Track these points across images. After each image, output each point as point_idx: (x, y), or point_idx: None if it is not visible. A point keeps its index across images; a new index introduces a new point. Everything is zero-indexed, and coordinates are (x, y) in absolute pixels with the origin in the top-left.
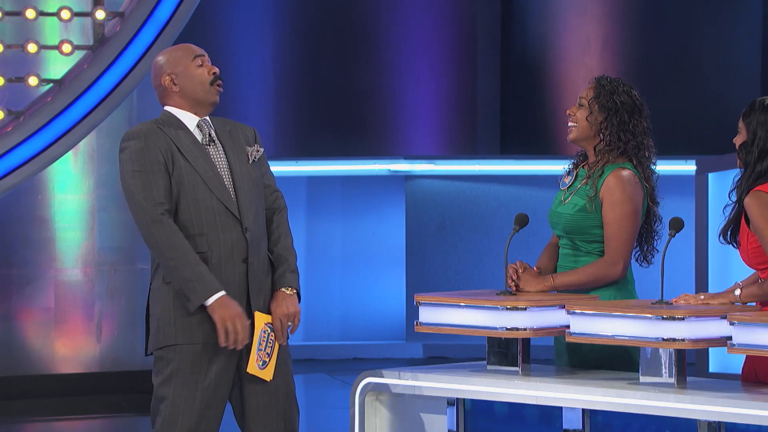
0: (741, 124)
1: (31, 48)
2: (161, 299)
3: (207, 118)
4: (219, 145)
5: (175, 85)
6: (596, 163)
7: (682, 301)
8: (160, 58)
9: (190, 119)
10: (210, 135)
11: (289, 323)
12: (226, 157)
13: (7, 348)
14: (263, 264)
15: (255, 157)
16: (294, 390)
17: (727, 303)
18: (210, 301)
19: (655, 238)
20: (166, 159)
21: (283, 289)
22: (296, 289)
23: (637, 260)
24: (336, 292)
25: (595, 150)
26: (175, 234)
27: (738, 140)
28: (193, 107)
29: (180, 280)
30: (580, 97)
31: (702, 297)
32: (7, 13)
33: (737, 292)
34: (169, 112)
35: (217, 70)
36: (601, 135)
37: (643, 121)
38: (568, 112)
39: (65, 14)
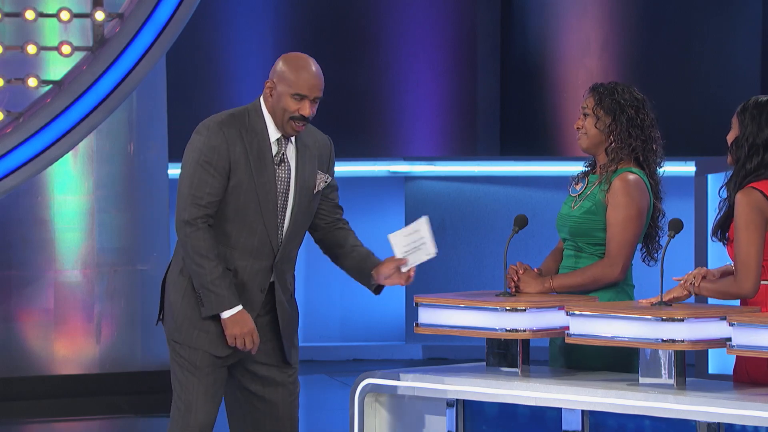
0: (734, 120)
1: (31, 49)
2: (173, 290)
3: None
4: (290, 166)
5: (270, 96)
6: (608, 165)
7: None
8: (281, 64)
9: (274, 130)
10: (283, 155)
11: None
12: (295, 183)
13: (7, 349)
14: (285, 290)
15: (320, 188)
16: (297, 420)
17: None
18: (225, 315)
19: (660, 234)
20: (232, 166)
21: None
22: None
23: (643, 260)
24: (335, 294)
25: (606, 152)
26: (205, 241)
27: (731, 137)
28: (274, 123)
29: (199, 286)
30: (583, 107)
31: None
32: (6, 14)
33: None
34: (262, 110)
35: (307, 113)
36: (612, 137)
37: (649, 113)
38: (576, 126)
39: (65, 15)
